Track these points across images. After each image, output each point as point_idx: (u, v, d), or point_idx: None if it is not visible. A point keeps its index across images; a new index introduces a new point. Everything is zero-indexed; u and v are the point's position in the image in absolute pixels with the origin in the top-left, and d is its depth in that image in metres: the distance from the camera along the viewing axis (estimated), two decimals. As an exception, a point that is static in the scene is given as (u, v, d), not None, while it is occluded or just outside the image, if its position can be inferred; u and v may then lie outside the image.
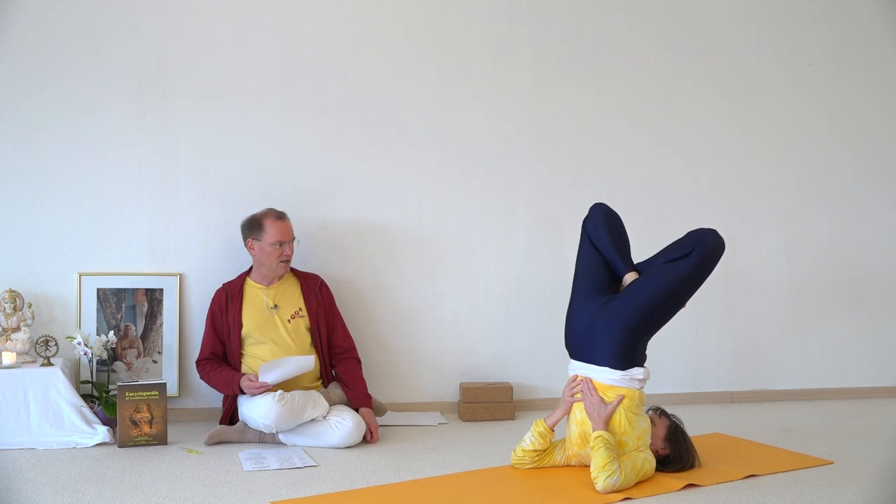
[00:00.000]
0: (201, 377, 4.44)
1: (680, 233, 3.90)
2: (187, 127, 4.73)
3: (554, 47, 5.19)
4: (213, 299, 4.49)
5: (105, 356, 4.47)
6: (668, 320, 3.82)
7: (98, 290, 4.61)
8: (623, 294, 3.80)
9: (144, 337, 4.67)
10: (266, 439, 4.23)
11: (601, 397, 3.69)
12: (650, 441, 3.73)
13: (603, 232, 3.90)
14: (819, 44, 5.56)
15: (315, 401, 4.23)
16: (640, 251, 4.03)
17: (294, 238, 4.51)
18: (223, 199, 4.77)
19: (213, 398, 4.63)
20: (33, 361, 4.34)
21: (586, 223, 3.99)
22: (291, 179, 4.84)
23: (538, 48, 5.17)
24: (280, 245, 4.43)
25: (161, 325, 4.69)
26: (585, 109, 5.24)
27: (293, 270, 4.60)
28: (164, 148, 4.71)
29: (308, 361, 4.26)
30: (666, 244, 3.91)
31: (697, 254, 3.71)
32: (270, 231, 4.42)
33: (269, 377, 4.17)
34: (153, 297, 4.69)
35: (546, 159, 5.19)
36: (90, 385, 4.50)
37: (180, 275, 4.73)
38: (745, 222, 5.46)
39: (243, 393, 4.25)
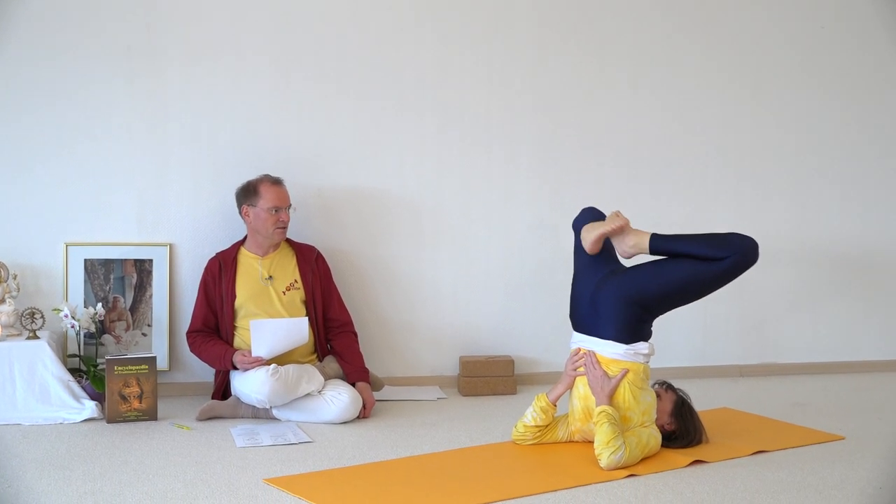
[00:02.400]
0: (191, 349, 4.39)
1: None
2: (178, 93, 4.65)
3: (556, 12, 5.09)
4: (206, 268, 4.43)
5: (93, 329, 4.43)
6: (675, 308, 3.76)
7: (86, 260, 4.56)
8: (636, 271, 3.72)
9: (133, 309, 4.62)
10: (259, 414, 4.19)
11: (605, 371, 3.63)
12: (656, 416, 3.68)
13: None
14: (830, 8, 5.45)
15: (310, 375, 4.18)
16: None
17: (290, 205, 4.43)
18: (215, 168, 4.70)
19: (204, 372, 4.58)
20: (19, 334, 4.31)
21: (576, 225, 3.91)
22: (285, 147, 4.76)
23: (540, 13, 5.07)
24: (276, 211, 4.36)
25: (150, 296, 4.63)
26: (589, 75, 5.16)
27: (289, 241, 4.53)
28: (154, 114, 4.63)
29: (301, 325, 4.21)
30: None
31: (729, 263, 3.60)
32: (266, 196, 4.35)
33: (262, 350, 4.12)
34: (142, 268, 4.63)
35: (549, 128, 5.11)
36: (77, 359, 4.47)
37: (170, 245, 4.66)
38: (754, 193, 5.39)
39: (236, 368, 4.20)
